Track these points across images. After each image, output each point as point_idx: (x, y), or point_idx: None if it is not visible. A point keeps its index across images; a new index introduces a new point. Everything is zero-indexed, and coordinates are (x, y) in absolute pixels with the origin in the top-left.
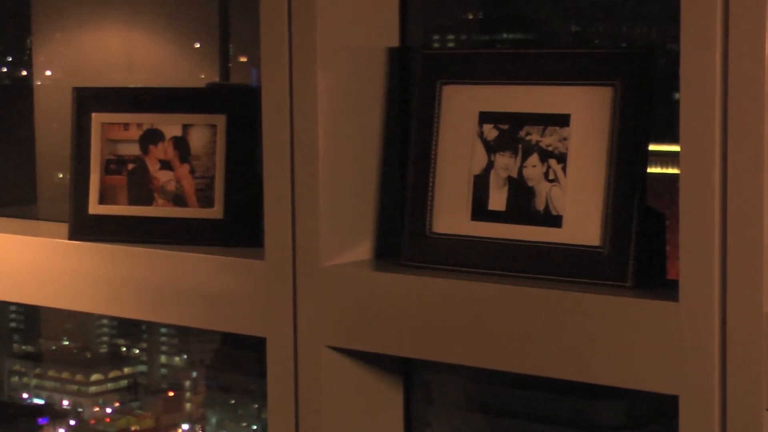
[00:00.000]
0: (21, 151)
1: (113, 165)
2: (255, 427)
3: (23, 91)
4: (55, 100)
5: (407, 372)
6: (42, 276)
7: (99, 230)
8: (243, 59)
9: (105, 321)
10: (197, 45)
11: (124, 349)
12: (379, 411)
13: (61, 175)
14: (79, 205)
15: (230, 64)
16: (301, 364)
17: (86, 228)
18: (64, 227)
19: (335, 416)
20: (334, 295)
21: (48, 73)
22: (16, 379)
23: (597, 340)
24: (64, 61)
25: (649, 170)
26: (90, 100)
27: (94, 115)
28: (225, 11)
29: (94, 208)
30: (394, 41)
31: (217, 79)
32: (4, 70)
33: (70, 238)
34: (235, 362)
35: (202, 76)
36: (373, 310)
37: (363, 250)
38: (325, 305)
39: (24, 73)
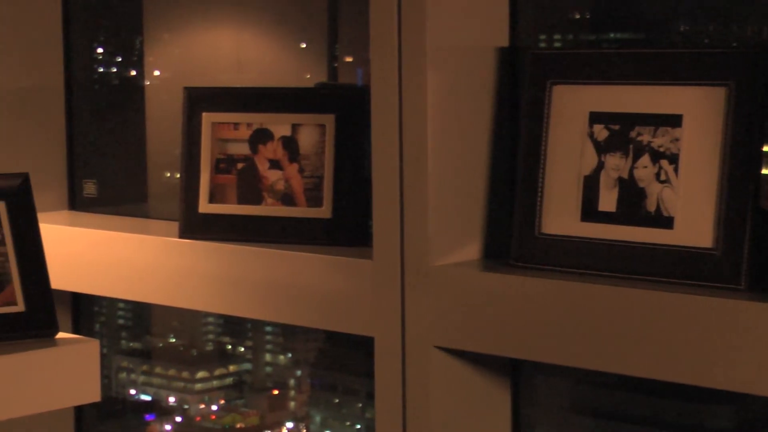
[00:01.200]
0: (132, 150)
1: (223, 164)
2: (359, 427)
3: (133, 90)
4: (165, 99)
5: (515, 373)
6: (152, 274)
7: (209, 229)
8: (348, 59)
9: (211, 319)
10: (303, 45)
11: (230, 347)
12: (486, 412)
13: (168, 174)
14: (189, 204)
15: (335, 65)
16: (409, 364)
17: (196, 226)
18: (174, 225)
19: (443, 417)
20: (443, 295)
21: (156, 72)
22: (124, 375)
23: (709, 343)
24: (174, 61)
25: (763, 171)
26: (201, 99)
27: (204, 114)
28: (334, 11)
29: (204, 206)
30: (504, 41)
31: (322, 79)
32: (114, 70)
33: (180, 237)
34: (339, 361)
35: (308, 76)
36: (482, 311)
37: (471, 250)
38: (434, 305)
39: (133, 73)
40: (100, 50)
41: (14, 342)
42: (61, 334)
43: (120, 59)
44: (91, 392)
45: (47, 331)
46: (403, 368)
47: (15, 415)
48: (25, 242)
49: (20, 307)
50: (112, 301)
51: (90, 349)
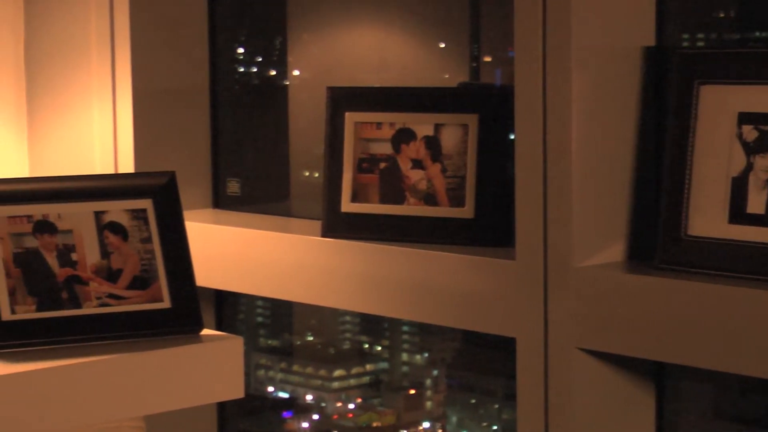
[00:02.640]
0: (275, 150)
1: (366, 164)
2: (495, 428)
3: (276, 90)
4: (307, 99)
5: (659, 377)
6: (294, 272)
7: (351, 228)
8: (487, 59)
9: (348, 318)
10: (442, 45)
11: (367, 346)
12: (630, 415)
13: (307, 173)
14: (332, 203)
15: (474, 64)
16: (551, 365)
17: (339, 225)
18: (316, 224)
19: (585, 419)
20: (586, 297)
21: (299, 72)
22: (262, 372)
23: None
24: (316, 61)
25: None
26: (344, 99)
27: (347, 114)
28: (475, 11)
29: (347, 206)
30: (650, 40)
31: (462, 78)
32: (256, 70)
33: (322, 236)
34: (476, 361)
35: (446, 76)
36: (625, 313)
37: (615, 251)
38: (576, 307)
39: (276, 72)
40: (241, 50)
41: (160, 338)
42: (205, 331)
43: (263, 59)
44: (234, 388)
45: (192, 328)
46: (545, 370)
47: (160, 410)
48: (171, 240)
49: (166, 303)
50: (251, 299)
51: (234, 345)
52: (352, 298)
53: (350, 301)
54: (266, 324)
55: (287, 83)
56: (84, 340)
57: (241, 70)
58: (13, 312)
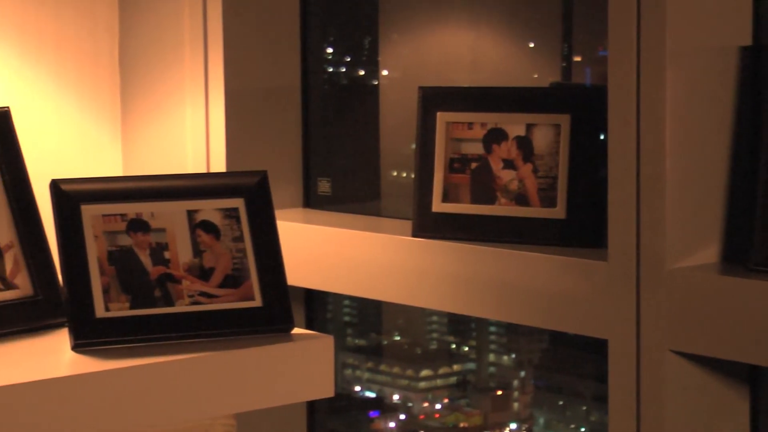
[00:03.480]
0: (365, 149)
1: (457, 163)
2: (583, 430)
3: (366, 90)
4: (398, 99)
5: (754, 380)
6: (384, 272)
7: (442, 228)
8: (577, 59)
9: (435, 318)
10: (531, 45)
11: (454, 346)
12: (723, 419)
13: (395, 173)
14: (422, 203)
15: (564, 64)
16: (644, 367)
17: (429, 225)
18: (406, 224)
19: (678, 422)
20: (679, 299)
21: (390, 72)
22: (349, 371)
23: None
24: (407, 61)
25: None
26: (435, 99)
27: (439, 114)
28: (568, 11)
29: (438, 206)
30: (747, 40)
31: (551, 78)
32: (346, 70)
33: (413, 235)
34: (563, 363)
35: (536, 76)
36: (720, 315)
37: (709, 253)
38: (670, 309)
39: (367, 72)
40: (330, 50)
41: (251, 337)
42: (296, 330)
43: (354, 59)
44: (324, 388)
45: (283, 327)
46: (637, 372)
47: (251, 408)
48: (263, 239)
49: (257, 302)
50: (338, 298)
51: (324, 344)
52: (442, 298)
53: (440, 301)
54: (353, 323)
55: (377, 83)
56: (176, 338)
57: (330, 69)
58: (107, 309)
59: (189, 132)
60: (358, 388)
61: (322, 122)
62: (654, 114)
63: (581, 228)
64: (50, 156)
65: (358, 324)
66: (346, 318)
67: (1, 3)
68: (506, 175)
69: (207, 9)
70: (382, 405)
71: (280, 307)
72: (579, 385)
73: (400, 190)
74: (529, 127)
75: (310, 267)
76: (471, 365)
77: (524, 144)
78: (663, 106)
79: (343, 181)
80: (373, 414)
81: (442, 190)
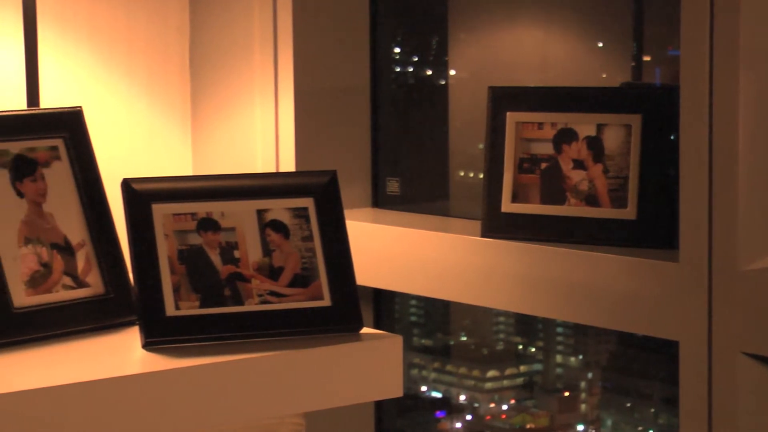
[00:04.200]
0: (434, 149)
1: (526, 164)
2: None
3: (435, 89)
4: (467, 98)
5: None
6: (453, 272)
7: (511, 228)
8: (647, 58)
9: (502, 318)
10: (600, 44)
11: (520, 347)
12: None
13: (462, 173)
14: (492, 203)
15: (633, 64)
16: (715, 369)
17: (499, 225)
18: (474, 224)
19: (750, 424)
20: (752, 301)
21: (459, 72)
22: (415, 371)
23: None
24: (476, 60)
25: None
26: (505, 99)
27: (508, 114)
28: (638, 11)
29: (507, 206)
30: None
31: (620, 78)
32: (414, 70)
33: (482, 236)
34: (631, 364)
35: (604, 75)
36: None
37: None
38: (742, 310)
39: (435, 72)
40: (399, 50)
41: (320, 336)
42: (364, 329)
43: (423, 59)
44: (393, 387)
45: (352, 326)
46: (709, 373)
47: (320, 408)
48: (332, 238)
49: (326, 301)
50: (405, 298)
51: (393, 344)
52: (510, 298)
53: (509, 302)
54: (420, 323)
55: (444, 82)
56: (245, 337)
57: (399, 69)
58: (177, 308)
59: (258, 131)
60: (424, 388)
61: (391, 122)
62: (727, 114)
63: (652, 229)
64: (121, 155)
65: (424, 324)
66: (413, 318)
67: (73, 3)
68: (576, 176)
69: (277, 9)
70: (448, 405)
71: (349, 307)
72: (647, 386)
73: (468, 190)
74: (600, 127)
75: (378, 267)
76: (538, 366)
77: (595, 144)
78: (736, 105)
79: (412, 180)
80: (439, 414)
81: (512, 190)
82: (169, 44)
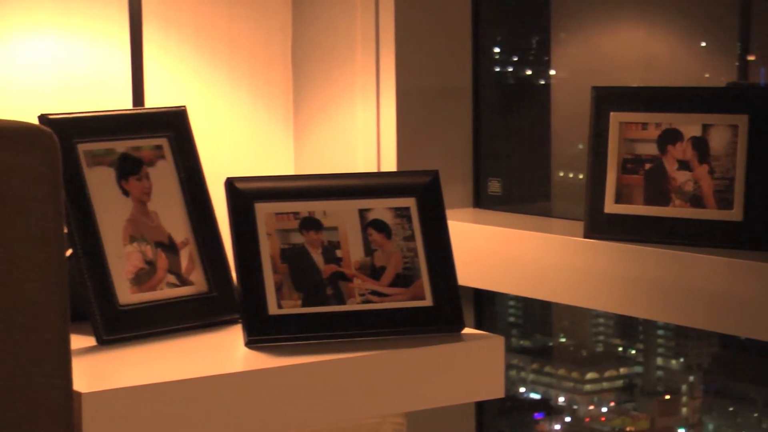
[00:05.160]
0: (536, 149)
1: (630, 164)
2: None
3: (537, 89)
4: (569, 99)
5: None
6: (555, 273)
7: (614, 229)
8: (751, 58)
9: (601, 320)
10: (703, 44)
11: (620, 349)
12: None
13: (561, 173)
14: (595, 204)
15: (737, 63)
16: None
17: (602, 226)
18: (576, 225)
19: None
20: None
21: (561, 72)
22: (513, 372)
23: None
24: (579, 61)
25: None
26: (608, 99)
27: (612, 114)
28: (744, 10)
29: (610, 207)
30: None
31: (725, 77)
32: (514, 70)
33: (585, 236)
34: (734, 368)
35: (707, 75)
36: None
37: None
38: None
39: (537, 72)
40: (500, 49)
41: (421, 336)
42: (466, 330)
43: (524, 58)
44: (495, 388)
45: (453, 326)
46: None
47: (420, 408)
48: (434, 238)
49: (428, 301)
50: (503, 298)
51: (495, 345)
52: (612, 299)
53: (611, 303)
54: (518, 324)
55: (548, 82)
56: (347, 336)
57: (500, 69)
58: (279, 307)
59: (360, 131)
60: (522, 390)
61: (493, 122)
62: None
63: (759, 230)
64: (224, 154)
65: (523, 325)
66: (510, 319)
67: (178, 4)
68: (681, 176)
69: (379, 8)
70: (546, 407)
71: (451, 307)
72: (750, 390)
73: (568, 191)
74: (706, 127)
75: (479, 267)
76: (638, 368)
77: (700, 145)
78: None
79: (514, 181)
80: (537, 416)
81: (615, 191)
82: (271, 44)
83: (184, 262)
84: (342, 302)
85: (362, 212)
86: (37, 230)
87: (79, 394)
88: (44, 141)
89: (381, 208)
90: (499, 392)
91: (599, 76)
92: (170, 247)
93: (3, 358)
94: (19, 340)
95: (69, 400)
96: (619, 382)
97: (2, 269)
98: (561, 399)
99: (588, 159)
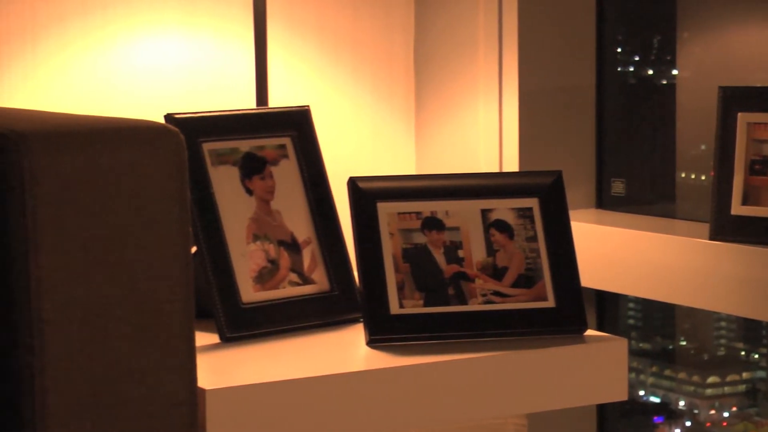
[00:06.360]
0: (660, 150)
1: (758, 165)
2: None
3: (662, 89)
4: (690, 99)
5: None
6: (679, 275)
7: (741, 231)
8: None
9: (723, 323)
10: None
11: (743, 353)
12: None
13: (683, 174)
14: (721, 205)
15: None
16: None
17: (728, 228)
18: (701, 226)
19: None
20: None
21: (686, 71)
22: (632, 375)
23: None
24: (705, 60)
25: None
26: (736, 99)
27: (739, 114)
28: None
29: (737, 208)
30: None
31: None
32: (636, 69)
33: (710, 238)
34: None
35: None
36: None
37: None
38: None
39: (660, 72)
40: (624, 49)
41: (544, 337)
42: (589, 332)
43: (648, 58)
44: (618, 391)
45: (576, 328)
46: None
47: (543, 409)
48: (557, 239)
49: (551, 303)
50: (623, 300)
51: (619, 347)
52: (738, 302)
53: (736, 306)
54: (638, 326)
55: (672, 82)
56: (469, 337)
57: (623, 69)
58: (401, 306)
59: (482, 131)
60: (641, 393)
61: (617, 122)
62: None
63: None
64: (347, 153)
65: (642, 327)
66: (631, 321)
67: (302, 3)
68: None
69: (502, 8)
70: (666, 410)
71: (574, 309)
72: None
73: (692, 192)
74: None
75: (602, 268)
76: (762, 373)
77: None
78: None
79: (638, 182)
80: (657, 419)
81: (742, 192)
82: (394, 43)
83: (306, 261)
84: (464, 302)
85: (485, 212)
86: (164, 228)
87: (203, 390)
88: (171, 140)
89: (503, 208)
90: (622, 395)
91: (724, 75)
92: (293, 246)
93: (132, 355)
94: (147, 338)
95: (194, 396)
96: (742, 387)
97: (129, 267)
98: (681, 403)
99: (714, 160)
